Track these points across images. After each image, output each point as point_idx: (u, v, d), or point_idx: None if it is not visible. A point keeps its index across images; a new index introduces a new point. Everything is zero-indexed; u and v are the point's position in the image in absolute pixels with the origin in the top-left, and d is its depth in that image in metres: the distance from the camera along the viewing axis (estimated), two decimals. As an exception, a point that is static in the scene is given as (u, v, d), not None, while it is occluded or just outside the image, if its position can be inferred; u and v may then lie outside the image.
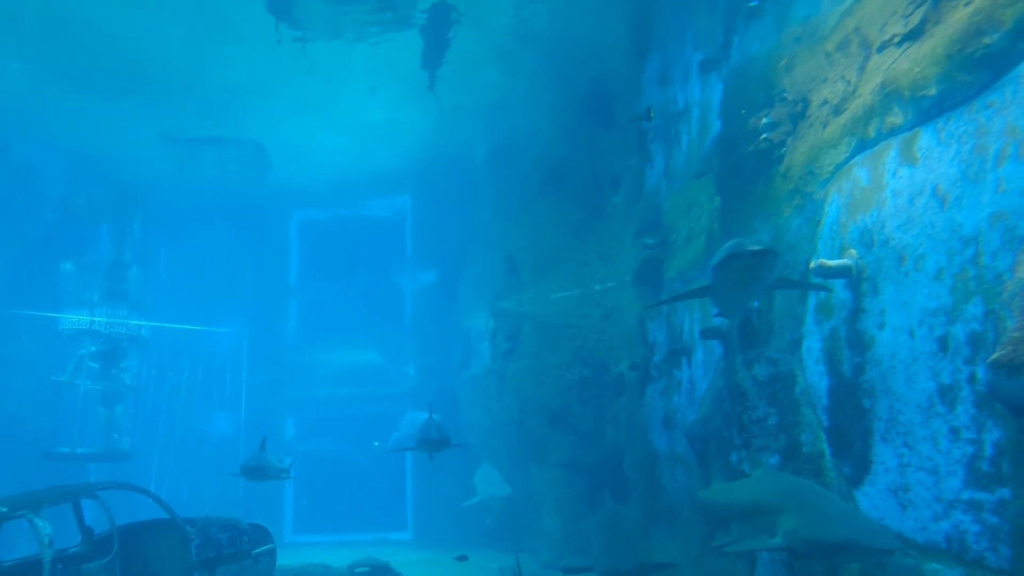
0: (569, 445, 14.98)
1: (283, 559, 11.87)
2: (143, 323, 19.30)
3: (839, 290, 7.41)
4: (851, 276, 7.17)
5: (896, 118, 6.76)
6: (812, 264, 7.44)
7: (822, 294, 7.66)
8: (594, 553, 10.42)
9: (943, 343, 6.06)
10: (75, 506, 8.70)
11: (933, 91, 6.27)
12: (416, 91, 16.06)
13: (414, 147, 18.92)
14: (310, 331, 24.25)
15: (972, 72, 5.90)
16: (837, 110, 7.89)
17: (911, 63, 6.61)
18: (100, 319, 18.34)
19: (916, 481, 6.29)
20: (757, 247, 6.01)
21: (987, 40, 5.73)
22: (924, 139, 6.44)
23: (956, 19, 6.22)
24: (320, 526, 21.99)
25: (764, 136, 8.87)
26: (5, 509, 7.12)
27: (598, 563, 9.84)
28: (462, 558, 13.83)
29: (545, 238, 16.71)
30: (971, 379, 5.76)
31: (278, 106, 16.56)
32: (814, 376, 7.78)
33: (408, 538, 21.20)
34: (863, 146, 7.27)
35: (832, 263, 7.26)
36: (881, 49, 7.32)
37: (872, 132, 7.11)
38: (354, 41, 14.03)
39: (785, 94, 8.81)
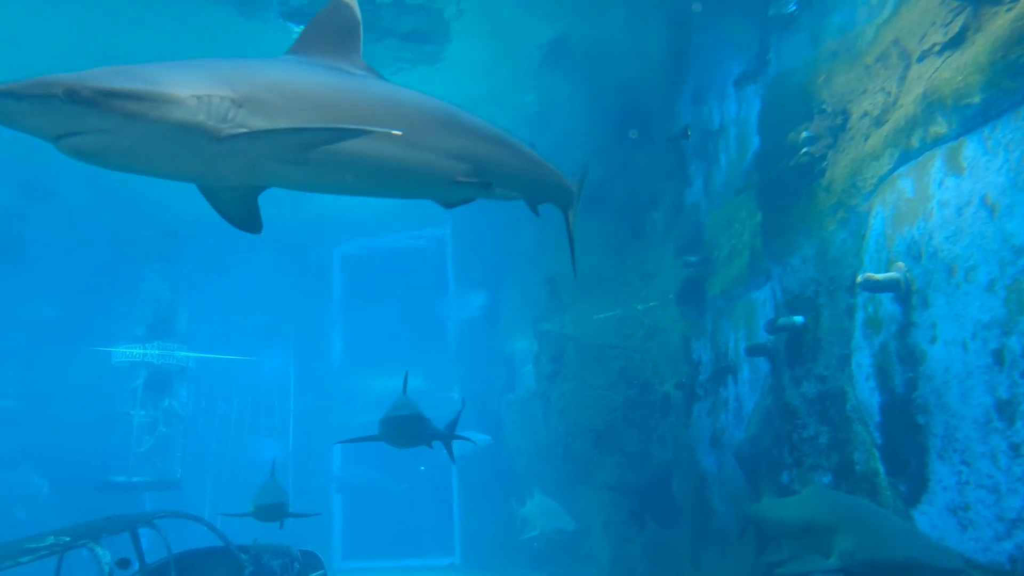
0: (616, 467, 14.83)
1: (334, 585, 11.98)
2: (191, 354, 19.74)
3: (887, 304, 7.28)
4: (900, 289, 7.03)
5: (940, 128, 6.65)
6: (859, 278, 7.33)
7: (870, 308, 7.53)
8: None
9: (999, 356, 5.90)
10: (133, 535, 8.88)
11: (977, 99, 6.16)
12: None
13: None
14: (355, 358, 24.51)
15: (1017, 78, 5.79)
16: (878, 122, 7.79)
17: (953, 72, 6.51)
18: (151, 351, 18.82)
19: (976, 499, 6.11)
20: None
21: (1031, 46, 5.63)
22: (970, 148, 6.32)
23: (998, 26, 6.12)
24: (369, 551, 22.08)
25: (804, 150, 8.79)
26: (67, 539, 7.33)
27: None
28: None
29: (585, 258, 16.54)
30: (1030, 393, 5.60)
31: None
32: (865, 392, 7.63)
33: (456, 562, 21.16)
34: (906, 157, 7.16)
35: (880, 276, 7.14)
36: (921, 59, 7.23)
37: (915, 143, 7.00)
38: (386, 71, 14.22)
39: (824, 107, 8.73)
